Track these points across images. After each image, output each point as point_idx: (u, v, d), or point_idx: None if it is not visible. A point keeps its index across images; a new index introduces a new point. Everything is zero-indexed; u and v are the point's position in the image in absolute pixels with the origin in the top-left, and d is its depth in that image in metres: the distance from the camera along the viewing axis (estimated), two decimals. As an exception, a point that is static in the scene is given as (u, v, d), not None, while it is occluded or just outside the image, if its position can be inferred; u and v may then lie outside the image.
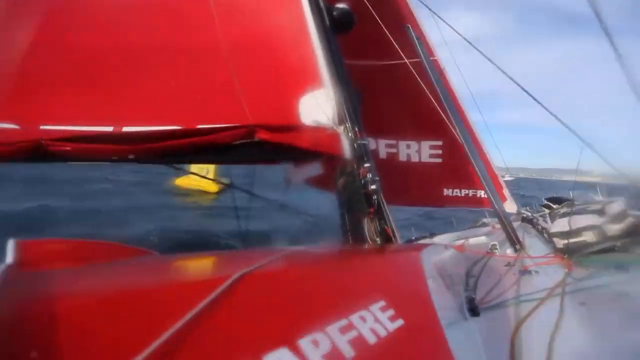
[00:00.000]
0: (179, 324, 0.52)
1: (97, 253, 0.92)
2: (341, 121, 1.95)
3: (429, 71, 2.70)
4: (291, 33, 2.22)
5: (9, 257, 0.99)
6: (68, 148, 1.46)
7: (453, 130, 2.58)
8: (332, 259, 1.28)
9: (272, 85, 2.01)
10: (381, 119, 4.25)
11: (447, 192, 4.54)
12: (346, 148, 1.83)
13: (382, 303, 0.79)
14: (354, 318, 0.71)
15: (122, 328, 0.51)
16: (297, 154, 1.83)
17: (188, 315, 0.54)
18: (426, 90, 2.52)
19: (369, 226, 1.73)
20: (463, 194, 4.38)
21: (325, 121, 1.94)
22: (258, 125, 1.74)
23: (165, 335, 0.49)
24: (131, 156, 1.60)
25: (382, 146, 4.68)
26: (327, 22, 2.39)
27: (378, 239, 1.72)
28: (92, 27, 2.15)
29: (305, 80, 2.08)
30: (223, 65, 1.98)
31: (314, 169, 3.04)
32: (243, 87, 1.90)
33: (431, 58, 3.10)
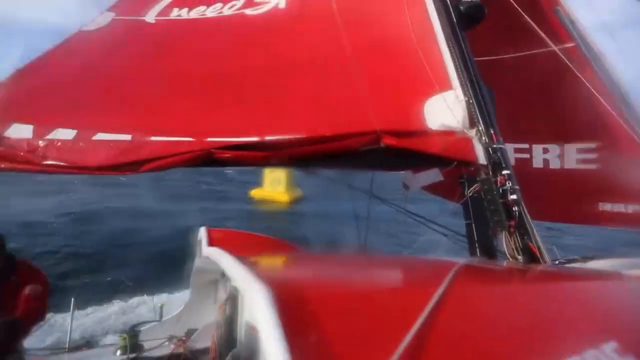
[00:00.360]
0: (415, 326, 0.58)
1: (262, 245, 1.12)
2: (473, 124, 1.84)
3: (590, 58, 2.27)
4: (416, 34, 2.22)
5: (203, 241, 1.32)
6: (228, 155, 1.81)
7: (628, 129, 2.10)
8: (527, 278, 1.19)
9: (397, 90, 2.05)
10: (509, 120, 3.78)
11: (604, 207, 3.70)
12: (480, 153, 1.72)
13: (614, 344, 0.70)
14: (589, 357, 0.65)
15: (372, 319, 0.61)
16: (424, 160, 1.82)
17: (420, 319, 0.60)
18: (585, 82, 2.12)
19: (507, 241, 1.58)
20: (630, 210, 3.50)
21: (455, 124, 1.86)
22: (384, 131, 1.80)
23: (409, 336, 0.56)
24: (273, 161, 1.88)
25: (510, 151, 4.15)
26: (455, 19, 2.30)
27: (519, 257, 1.54)
28: (236, 54, 2.61)
29: (431, 82, 2.05)
30: (348, 72, 2.13)
31: (437, 175, 2.93)
32: (368, 93, 2.00)
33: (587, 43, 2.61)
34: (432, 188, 3.28)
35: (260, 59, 2.45)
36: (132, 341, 2.86)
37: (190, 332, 3.00)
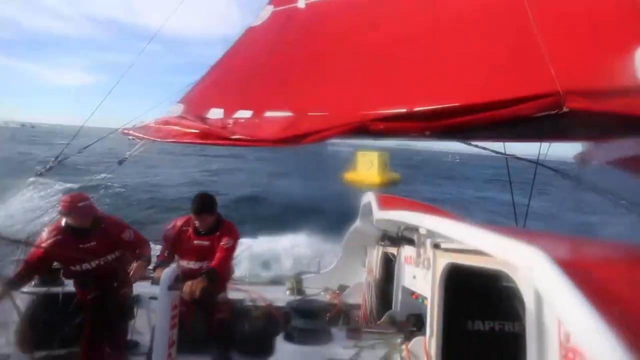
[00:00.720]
0: None
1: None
2: None
3: None
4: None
5: (373, 204, 1.51)
6: (382, 126, 1.91)
7: None
8: None
9: (591, 36, 1.66)
10: None
11: None
12: None
13: None
14: None
15: None
16: (630, 127, 1.45)
17: None
18: None
19: None
20: None
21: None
22: (569, 92, 1.52)
23: None
24: (427, 133, 1.87)
25: None
26: None
27: None
28: (380, 25, 2.60)
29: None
30: (520, 21, 1.84)
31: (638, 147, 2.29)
32: (548, 44, 1.70)
33: None
34: (626, 162, 2.57)
35: (407, 26, 2.38)
36: (298, 286, 3.57)
37: (342, 288, 3.50)
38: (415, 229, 2.16)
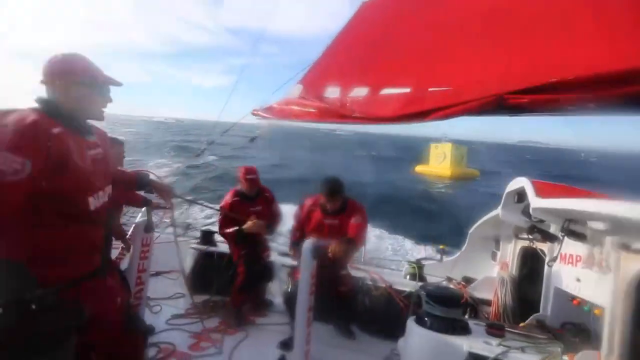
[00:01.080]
0: None
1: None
2: None
3: None
4: None
5: (529, 191, 1.34)
6: (526, 100, 1.61)
7: None
8: None
9: None
10: None
11: None
12: None
13: None
14: None
15: None
16: None
17: None
18: None
19: None
20: None
21: None
22: None
23: None
24: (591, 105, 1.49)
25: None
26: None
27: None
28: None
29: None
30: None
31: None
32: None
33: None
34: None
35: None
36: (420, 272, 3.53)
37: (466, 279, 3.29)
38: (584, 223, 1.81)
